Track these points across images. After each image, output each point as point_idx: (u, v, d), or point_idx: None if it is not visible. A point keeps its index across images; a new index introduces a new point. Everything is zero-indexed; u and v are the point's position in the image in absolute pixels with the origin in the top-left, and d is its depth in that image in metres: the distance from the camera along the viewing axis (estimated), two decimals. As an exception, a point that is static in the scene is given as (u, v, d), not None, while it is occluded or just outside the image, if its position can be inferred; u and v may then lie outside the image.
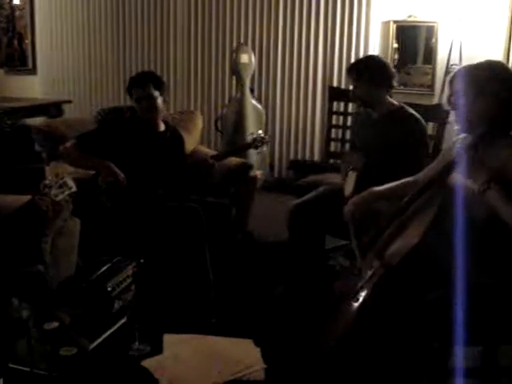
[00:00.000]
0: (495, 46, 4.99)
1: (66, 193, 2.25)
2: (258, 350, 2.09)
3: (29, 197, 2.52)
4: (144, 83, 3.19)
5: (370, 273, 2.16)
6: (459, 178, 2.21)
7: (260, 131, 3.65)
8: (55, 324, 1.87)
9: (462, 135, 2.30)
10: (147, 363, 1.94)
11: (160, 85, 3.25)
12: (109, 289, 2.36)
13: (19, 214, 2.50)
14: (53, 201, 2.30)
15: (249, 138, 3.59)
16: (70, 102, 6.36)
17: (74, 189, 2.28)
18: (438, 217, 2.08)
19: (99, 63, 6.70)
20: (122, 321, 2.19)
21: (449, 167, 2.19)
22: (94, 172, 3.11)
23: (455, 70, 2.24)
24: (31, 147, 3.85)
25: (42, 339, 1.85)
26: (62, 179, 2.25)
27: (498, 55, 4.90)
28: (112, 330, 2.13)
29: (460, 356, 2.11)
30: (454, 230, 2.09)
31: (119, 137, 3.17)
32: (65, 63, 6.87)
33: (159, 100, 3.21)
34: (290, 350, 2.49)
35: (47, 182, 2.23)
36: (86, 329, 2.08)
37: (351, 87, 3.30)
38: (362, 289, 2.16)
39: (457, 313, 2.00)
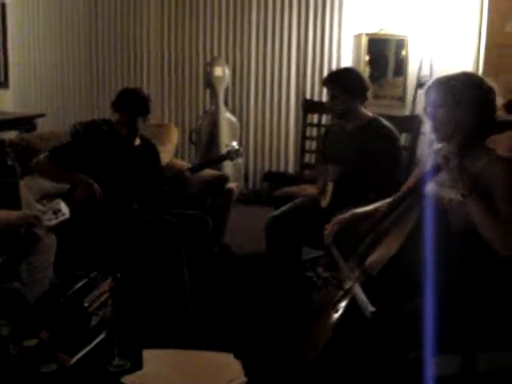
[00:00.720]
0: (465, 59, 5.10)
1: (60, 219, 2.24)
2: (239, 362, 2.07)
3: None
4: (132, 114, 3.19)
5: (349, 283, 2.16)
6: (436, 187, 2.24)
7: (234, 143, 3.67)
8: (34, 341, 1.85)
9: (439, 145, 2.33)
10: (127, 379, 1.92)
11: (146, 111, 3.24)
12: (86, 304, 2.32)
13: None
14: (46, 225, 2.27)
15: (223, 150, 3.60)
16: (43, 115, 6.29)
17: (68, 215, 2.27)
18: (417, 226, 2.10)
19: (72, 77, 6.64)
20: (101, 336, 2.16)
21: (426, 177, 2.22)
22: (69, 187, 3.08)
23: (431, 81, 2.27)
24: (4, 161, 3.80)
25: (22, 356, 1.82)
26: (58, 204, 2.23)
27: (467, 66, 5.00)
28: (91, 346, 2.10)
29: (438, 364, 2.13)
30: (432, 239, 2.12)
31: (94, 150, 3.15)
32: (37, 77, 6.80)
33: (140, 124, 3.23)
34: (271, 362, 2.48)
35: (41, 206, 2.21)
36: (65, 345, 2.05)
37: (326, 99, 3.33)
38: (341, 299, 2.17)
39: (434, 322, 2.02)
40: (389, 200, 2.52)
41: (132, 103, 3.22)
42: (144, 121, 3.24)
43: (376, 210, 2.54)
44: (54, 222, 2.21)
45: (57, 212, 2.20)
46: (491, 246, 2.04)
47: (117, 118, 3.21)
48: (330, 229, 2.56)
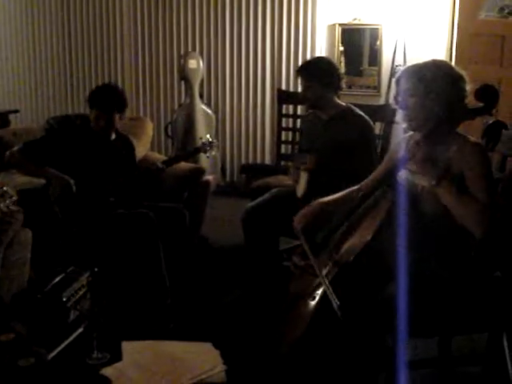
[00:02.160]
0: (438, 46, 5.14)
1: (7, 201, 2.23)
2: (218, 352, 2.09)
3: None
4: (109, 111, 3.17)
5: (324, 271, 2.19)
6: (408, 174, 2.27)
7: (208, 135, 3.68)
8: (11, 335, 1.85)
9: (410, 133, 2.36)
10: (107, 371, 1.92)
11: (123, 107, 3.24)
12: (64, 299, 2.33)
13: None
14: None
15: (198, 143, 3.61)
16: (17, 111, 6.24)
17: (15, 197, 2.26)
18: (390, 214, 2.13)
19: (45, 72, 6.59)
20: (80, 330, 2.16)
21: (397, 165, 2.25)
22: (44, 182, 3.07)
23: (401, 70, 2.29)
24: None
25: (-1, 351, 1.83)
26: (2, 188, 2.23)
27: (440, 55, 5.05)
28: (70, 340, 2.10)
29: (415, 348, 2.17)
30: (405, 226, 2.15)
31: (68, 144, 3.14)
32: (10, 73, 6.74)
33: (117, 120, 3.21)
34: (249, 351, 2.51)
35: None
36: (44, 339, 2.05)
37: (300, 89, 3.35)
38: (317, 287, 2.19)
39: (410, 307, 2.06)
40: (356, 187, 2.57)
41: (107, 99, 3.20)
42: (121, 117, 3.23)
43: (343, 197, 2.58)
44: (2, 204, 2.20)
45: (4, 194, 2.20)
46: (466, 229, 2.07)
47: (93, 114, 3.18)
48: (297, 220, 2.58)
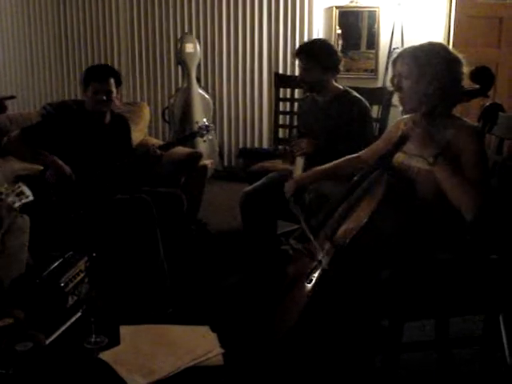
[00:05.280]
0: (436, 29, 5.13)
1: (23, 201, 2.25)
2: (215, 335, 2.10)
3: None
4: (105, 78, 3.15)
5: (321, 254, 2.19)
6: (404, 157, 2.27)
7: (205, 119, 3.66)
8: (9, 320, 1.86)
9: (406, 116, 2.35)
10: (105, 355, 1.93)
11: (119, 80, 3.24)
12: (62, 284, 2.33)
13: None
14: (10, 207, 2.28)
15: (194, 127, 3.60)
16: (13, 97, 6.22)
17: (31, 197, 2.28)
18: (386, 196, 2.13)
19: (41, 58, 6.57)
20: (78, 315, 2.17)
21: (394, 147, 2.25)
22: (41, 168, 3.07)
23: (398, 52, 2.28)
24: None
25: (-3, 336, 1.84)
26: (19, 187, 2.25)
27: (438, 37, 5.04)
28: (68, 325, 2.11)
29: (412, 330, 2.18)
30: (401, 209, 2.15)
31: (65, 129, 3.13)
32: (6, 59, 6.71)
33: (115, 94, 3.20)
34: (247, 334, 2.52)
35: (3, 189, 2.22)
36: (41, 324, 2.05)
37: (298, 72, 3.33)
38: (314, 270, 2.20)
39: (406, 289, 2.07)
40: (355, 155, 2.58)
41: (103, 68, 3.28)
42: (117, 91, 3.23)
43: (335, 166, 2.62)
44: (18, 203, 2.22)
45: (20, 194, 2.22)
46: (460, 211, 2.07)
47: (91, 90, 3.15)
48: (288, 187, 2.63)
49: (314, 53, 3.19)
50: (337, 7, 5.39)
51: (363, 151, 2.62)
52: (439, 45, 2.26)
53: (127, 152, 3.31)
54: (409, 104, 2.22)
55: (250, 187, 3.38)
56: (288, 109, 4.65)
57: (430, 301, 2.15)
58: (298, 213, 2.46)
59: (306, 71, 3.21)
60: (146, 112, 4.41)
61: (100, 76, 3.16)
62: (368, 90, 3.67)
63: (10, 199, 2.21)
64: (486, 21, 5.11)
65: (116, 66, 6.07)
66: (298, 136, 3.44)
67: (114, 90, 3.17)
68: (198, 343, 2.03)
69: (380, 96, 3.72)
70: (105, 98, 3.13)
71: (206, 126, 3.49)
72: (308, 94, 3.44)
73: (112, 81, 3.16)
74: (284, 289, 2.38)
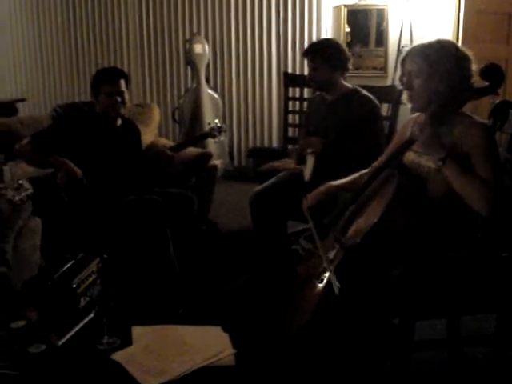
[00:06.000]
0: (444, 25, 5.10)
1: (23, 194, 2.24)
2: (227, 335, 2.11)
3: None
4: (115, 79, 3.17)
5: (332, 253, 2.19)
6: (415, 156, 2.26)
7: (216, 120, 3.66)
8: (22, 322, 1.87)
9: (416, 114, 2.34)
10: (117, 356, 1.94)
11: (128, 78, 3.27)
12: (74, 285, 2.34)
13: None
14: (10, 201, 2.29)
15: (206, 128, 3.59)
16: (23, 100, 6.26)
17: (31, 190, 2.27)
18: (396, 195, 2.12)
19: (51, 60, 6.60)
20: (90, 316, 2.18)
21: (403, 146, 2.24)
22: (52, 170, 3.08)
23: (407, 50, 2.28)
24: (-14, 147, 3.77)
25: (10, 338, 1.84)
26: (18, 181, 2.25)
27: (447, 34, 5.01)
28: (80, 326, 2.12)
29: (423, 329, 2.17)
30: (412, 207, 2.15)
31: (75, 132, 3.14)
32: (16, 60, 6.75)
33: (127, 95, 3.21)
34: (258, 334, 2.52)
35: (2, 184, 2.23)
36: (54, 326, 2.07)
37: (307, 71, 3.33)
38: (325, 270, 2.20)
39: (417, 288, 2.06)
40: (366, 170, 2.55)
41: (112, 69, 3.36)
42: (127, 87, 3.24)
43: (352, 181, 2.58)
44: (18, 197, 2.22)
45: (19, 187, 2.22)
46: (473, 209, 2.06)
47: (104, 93, 3.15)
48: (305, 203, 2.59)
49: (322, 52, 3.19)
50: (345, 6, 5.38)
51: (376, 162, 2.59)
52: (448, 42, 2.25)
53: (138, 155, 3.33)
54: (418, 102, 2.21)
55: (259, 187, 3.38)
56: (297, 108, 4.65)
57: (442, 299, 2.14)
58: (312, 226, 2.43)
59: (315, 70, 3.22)
60: (156, 113, 4.42)
61: (110, 77, 3.18)
62: (378, 88, 3.66)
63: (9, 193, 2.20)
64: (494, 16, 5.07)
65: (125, 68, 6.09)
66: (306, 135, 3.44)
67: (125, 90, 3.19)
68: (210, 343, 2.03)
69: (390, 94, 3.71)
70: (119, 99, 3.15)
71: (219, 128, 3.48)
72: (317, 93, 3.44)
73: (122, 81, 3.18)
74: (295, 288, 2.38)
